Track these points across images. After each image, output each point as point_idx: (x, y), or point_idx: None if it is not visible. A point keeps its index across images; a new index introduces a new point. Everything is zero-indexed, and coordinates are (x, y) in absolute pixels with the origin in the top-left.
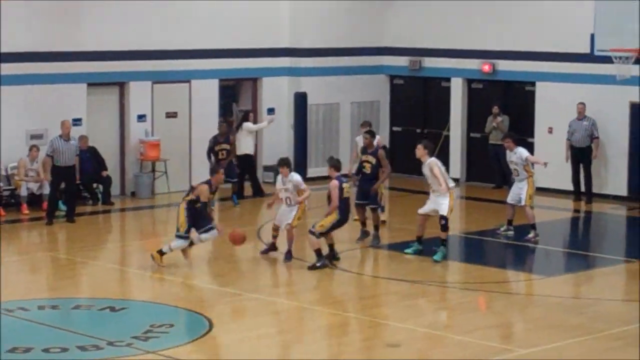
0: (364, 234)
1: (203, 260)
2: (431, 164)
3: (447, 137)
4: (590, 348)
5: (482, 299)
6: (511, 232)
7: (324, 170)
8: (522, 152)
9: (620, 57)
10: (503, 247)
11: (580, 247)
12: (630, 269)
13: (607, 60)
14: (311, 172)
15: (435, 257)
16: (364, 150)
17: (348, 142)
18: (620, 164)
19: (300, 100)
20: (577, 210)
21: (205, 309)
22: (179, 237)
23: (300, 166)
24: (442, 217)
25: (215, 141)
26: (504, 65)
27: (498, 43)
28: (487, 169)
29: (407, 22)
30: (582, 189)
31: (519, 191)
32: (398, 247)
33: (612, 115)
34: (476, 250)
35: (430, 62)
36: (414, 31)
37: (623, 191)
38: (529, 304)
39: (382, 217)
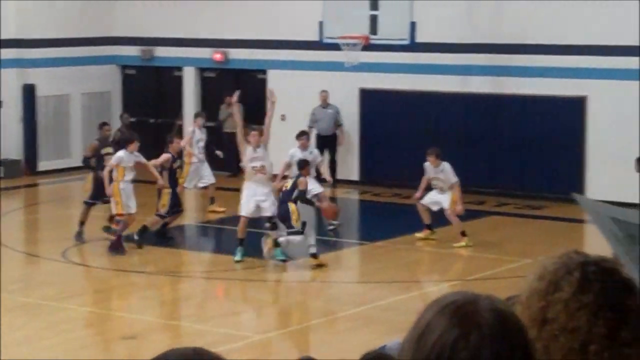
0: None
1: None
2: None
3: (181, 127)
4: (326, 330)
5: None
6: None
7: (56, 164)
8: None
9: (348, 44)
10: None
11: (317, 232)
12: (363, 251)
13: (336, 47)
14: (42, 165)
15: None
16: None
17: (79, 133)
18: (352, 149)
19: (29, 92)
20: None
21: None
22: (297, 233)
23: (31, 160)
24: (270, 217)
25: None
26: (235, 54)
27: (229, 32)
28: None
29: (138, 11)
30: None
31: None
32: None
33: (343, 102)
34: (211, 238)
35: (162, 52)
36: (145, 20)
37: (355, 176)
38: (264, 289)
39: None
